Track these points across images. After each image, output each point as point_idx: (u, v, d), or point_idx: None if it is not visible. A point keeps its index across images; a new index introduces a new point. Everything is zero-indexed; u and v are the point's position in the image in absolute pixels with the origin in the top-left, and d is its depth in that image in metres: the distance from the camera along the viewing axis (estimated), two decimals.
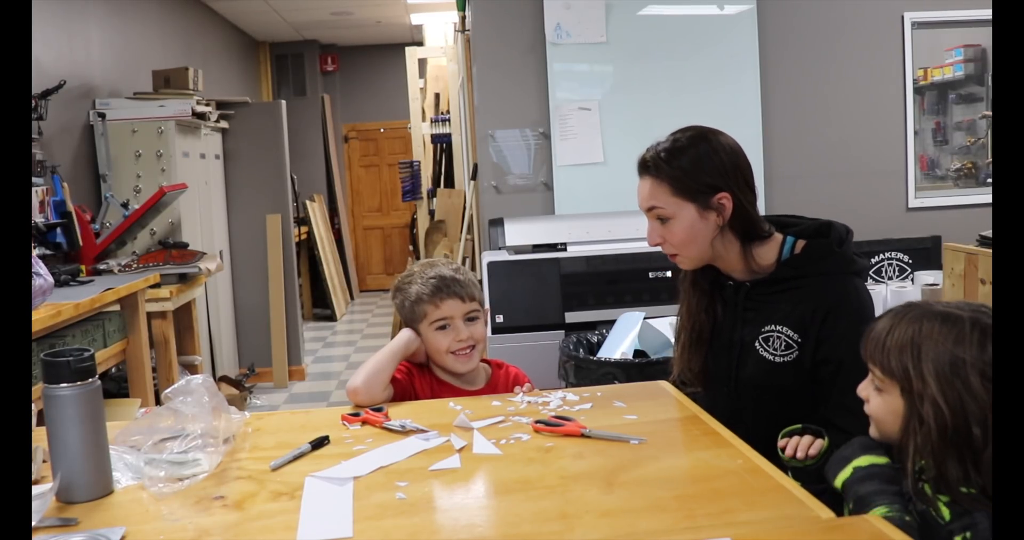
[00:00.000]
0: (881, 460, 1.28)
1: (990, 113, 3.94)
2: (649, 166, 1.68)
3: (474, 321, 1.78)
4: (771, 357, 1.66)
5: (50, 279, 2.45)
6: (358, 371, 1.71)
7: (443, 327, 1.76)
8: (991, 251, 2.70)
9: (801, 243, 1.69)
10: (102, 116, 3.97)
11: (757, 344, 1.68)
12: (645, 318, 2.75)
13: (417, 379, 1.79)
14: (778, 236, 1.71)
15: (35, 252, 2.85)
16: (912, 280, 3.67)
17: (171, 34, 5.42)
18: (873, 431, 1.30)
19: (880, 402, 1.27)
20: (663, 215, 1.67)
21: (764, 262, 1.69)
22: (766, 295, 1.69)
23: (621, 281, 3.15)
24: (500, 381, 1.84)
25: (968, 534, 1.13)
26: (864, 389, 1.30)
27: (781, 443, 1.51)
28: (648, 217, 1.71)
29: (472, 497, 1.21)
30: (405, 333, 1.79)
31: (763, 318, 1.68)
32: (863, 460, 1.28)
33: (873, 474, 1.26)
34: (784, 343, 1.65)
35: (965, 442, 1.16)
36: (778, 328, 1.66)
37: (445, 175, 6.49)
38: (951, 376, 1.17)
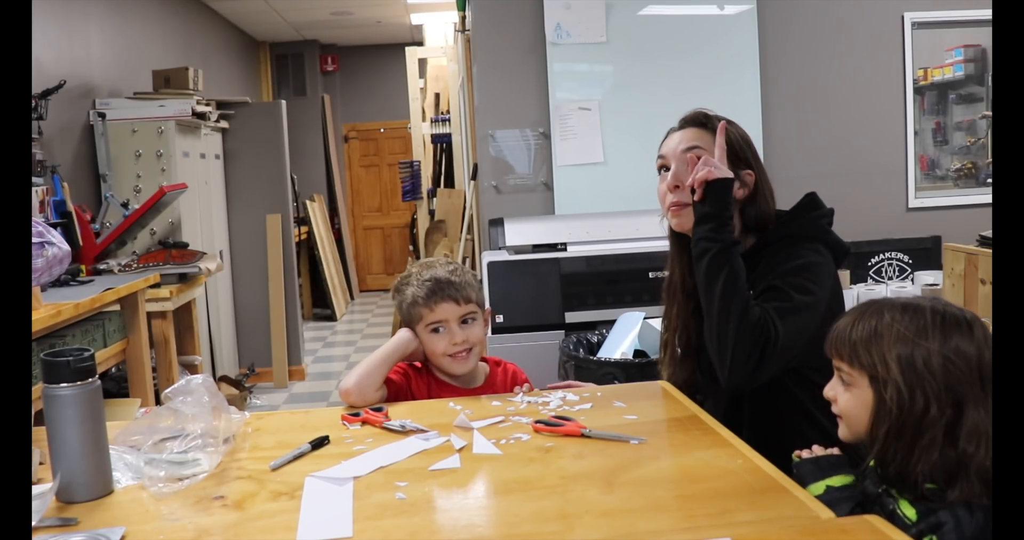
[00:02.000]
0: (848, 479, 1.26)
1: (990, 113, 3.93)
2: (704, 123, 1.72)
3: (470, 323, 1.77)
4: None
5: (65, 246, 2.35)
6: (351, 372, 1.71)
7: (438, 330, 1.76)
8: (991, 251, 2.70)
9: None
10: (102, 116, 3.97)
11: None
12: (645, 318, 2.75)
13: (414, 380, 1.79)
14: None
15: (42, 220, 2.77)
16: (912, 280, 3.67)
17: (171, 34, 5.42)
18: (844, 432, 1.30)
19: (849, 397, 1.27)
20: (701, 154, 1.67)
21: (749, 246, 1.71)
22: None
23: (621, 281, 3.15)
24: (498, 379, 1.83)
25: (934, 537, 1.11)
26: (831, 389, 1.31)
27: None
28: (679, 160, 1.69)
29: (472, 497, 1.21)
30: (401, 334, 1.79)
31: None
32: (835, 480, 1.25)
33: (845, 497, 1.23)
34: None
35: (929, 429, 1.17)
36: None
37: (445, 175, 6.49)
38: (913, 361, 1.19)
